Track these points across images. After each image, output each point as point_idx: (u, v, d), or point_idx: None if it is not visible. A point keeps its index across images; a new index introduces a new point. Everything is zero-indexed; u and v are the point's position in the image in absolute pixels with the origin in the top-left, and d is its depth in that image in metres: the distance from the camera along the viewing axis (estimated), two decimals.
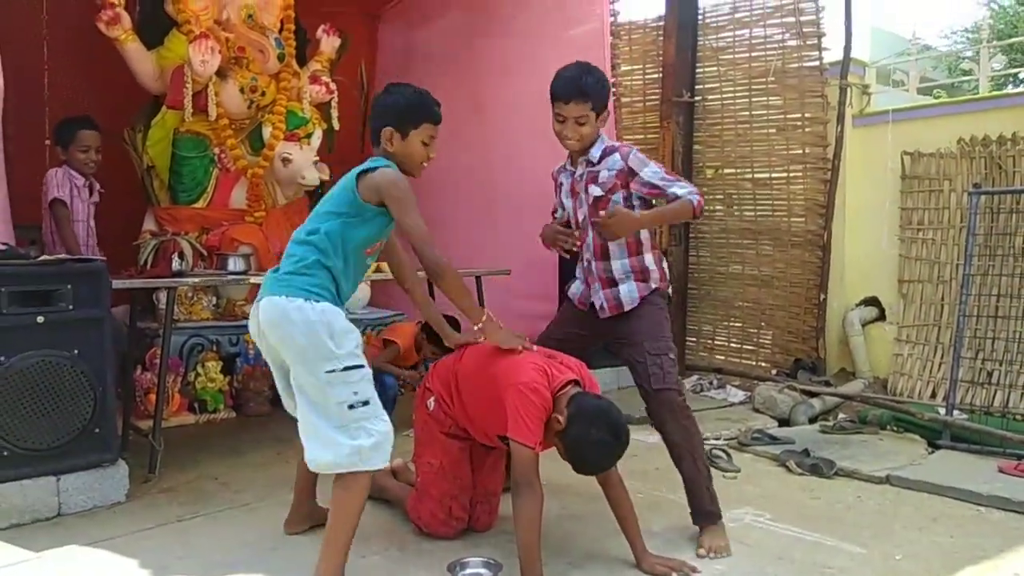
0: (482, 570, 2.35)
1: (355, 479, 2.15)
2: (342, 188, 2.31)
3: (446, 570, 2.34)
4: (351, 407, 2.12)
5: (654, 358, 2.60)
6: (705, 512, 2.62)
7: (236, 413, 4.35)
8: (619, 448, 2.30)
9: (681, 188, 2.63)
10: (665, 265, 2.83)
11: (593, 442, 2.25)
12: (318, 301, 2.18)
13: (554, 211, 2.99)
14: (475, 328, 2.43)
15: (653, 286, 2.72)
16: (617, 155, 2.68)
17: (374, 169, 2.26)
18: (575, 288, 2.88)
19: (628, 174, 2.66)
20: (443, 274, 2.29)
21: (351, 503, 2.16)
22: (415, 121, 2.35)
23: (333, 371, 2.12)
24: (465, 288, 2.38)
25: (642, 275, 2.72)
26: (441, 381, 2.62)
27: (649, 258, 2.74)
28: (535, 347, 2.50)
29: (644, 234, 2.73)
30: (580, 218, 2.78)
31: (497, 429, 2.39)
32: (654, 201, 2.73)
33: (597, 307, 2.76)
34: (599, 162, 2.70)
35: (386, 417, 2.20)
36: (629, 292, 2.70)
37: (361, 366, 2.18)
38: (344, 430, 2.12)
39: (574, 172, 2.78)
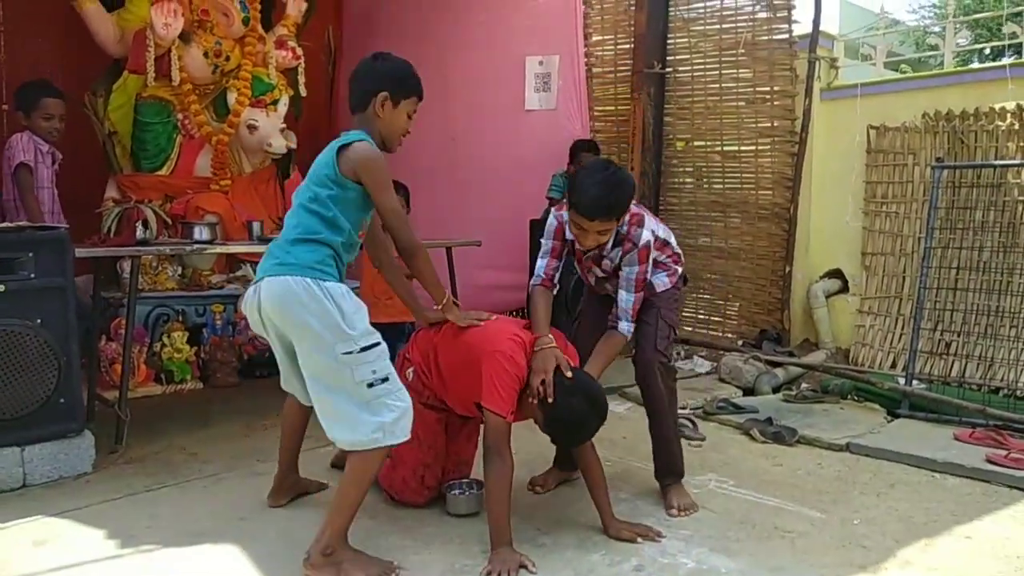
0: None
1: (375, 450, 2.14)
2: (322, 163, 2.23)
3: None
4: (371, 385, 2.10)
5: (664, 324, 2.75)
6: (676, 471, 2.77)
7: (203, 384, 4.31)
8: (598, 420, 2.34)
9: (624, 297, 2.61)
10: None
11: (573, 413, 2.28)
12: (325, 280, 2.13)
13: (557, 253, 2.77)
14: (436, 308, 2.49)
15: (679, 270, 2.82)
16: (628, 243, 2.61)
17: (352, 143, 2.20)
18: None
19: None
20: (416, 253, 2.34)
21: (367, 472, 2.16)
22: (407, 92, 2.33)
23: (350, 352, 2.09)
24: (433, 269, 2.42)
25: (664, 267, 2.79)
26: (420, 352, 2.62)
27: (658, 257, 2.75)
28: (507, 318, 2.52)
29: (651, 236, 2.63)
30: (593, 279, 2.79)
31: (474, 397, 2.40)
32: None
33: None
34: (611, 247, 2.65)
35: (405, 391, 2.19)
36: (659, 280, 2.78)
37: (377, 344, 2.15)
38: (366, 407, 2.10)
39: None
